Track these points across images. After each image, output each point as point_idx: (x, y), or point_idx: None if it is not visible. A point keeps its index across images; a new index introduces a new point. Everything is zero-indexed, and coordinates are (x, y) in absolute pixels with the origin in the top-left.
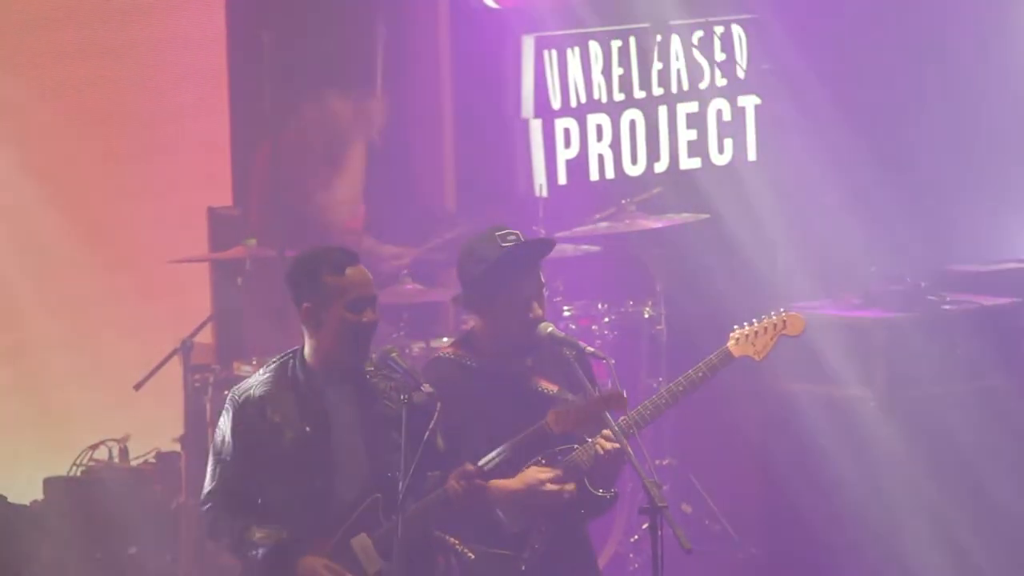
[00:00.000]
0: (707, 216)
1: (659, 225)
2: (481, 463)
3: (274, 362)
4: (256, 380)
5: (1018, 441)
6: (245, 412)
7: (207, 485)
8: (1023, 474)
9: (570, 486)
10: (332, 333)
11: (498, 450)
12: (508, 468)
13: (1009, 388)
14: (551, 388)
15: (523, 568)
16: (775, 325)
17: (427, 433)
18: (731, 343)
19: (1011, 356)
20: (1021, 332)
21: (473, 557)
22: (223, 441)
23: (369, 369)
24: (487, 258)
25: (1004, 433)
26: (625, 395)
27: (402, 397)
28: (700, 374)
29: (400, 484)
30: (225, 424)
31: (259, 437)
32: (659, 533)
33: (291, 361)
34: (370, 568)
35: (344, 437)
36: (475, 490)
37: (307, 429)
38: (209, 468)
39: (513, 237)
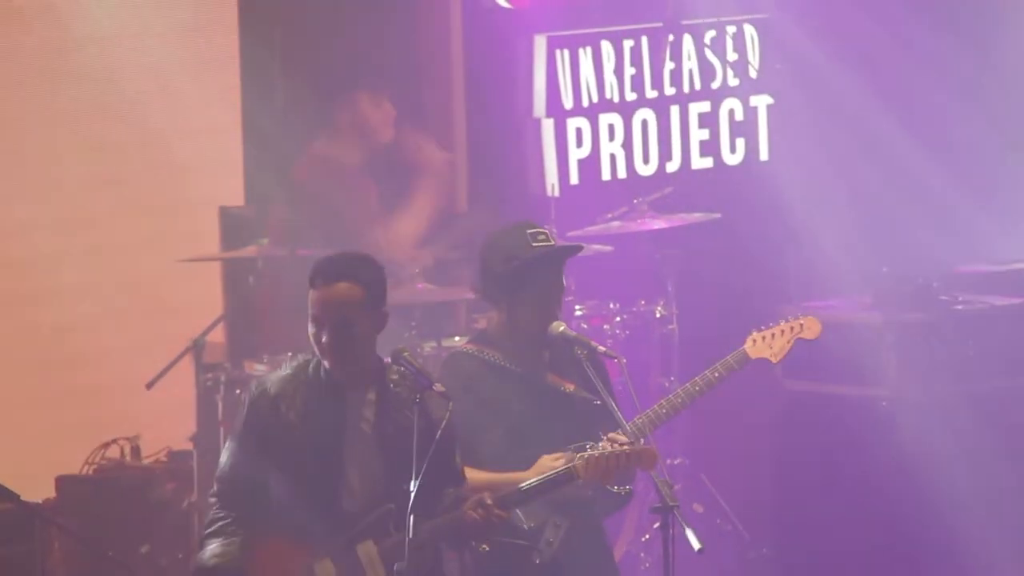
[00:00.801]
0: (718, 216)
1: (670, 225)
2: (502, 496)
3: (296, 360)
4: (276, 376)
5: None
6: (259, 404)
7: (217, 471)
8: None
9: None
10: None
11: (522, 486)
12: (528, 505)
13: (1021, 388)
14: (568, 386)
15: (537, 561)
16: (792, 328)
17: (438, 432)
18: (748, 345)
19: (1023, 356)
20: None
21: (487, 549)
22: (238, 431)
23: (393, 378)
24: (518, 256)
25: (1017, 434)
26: (658, 453)
27: (415, 397)
28: (716, 375)
29: (411, 483)
30: (242, 414)
31: (270, 431)
32: (670, 532)
33: (314, 359)
34: None
35: (358, 444)
36: (492, 522)
37: (319, 430)
38: (222, 456)
39: (543, 237)
